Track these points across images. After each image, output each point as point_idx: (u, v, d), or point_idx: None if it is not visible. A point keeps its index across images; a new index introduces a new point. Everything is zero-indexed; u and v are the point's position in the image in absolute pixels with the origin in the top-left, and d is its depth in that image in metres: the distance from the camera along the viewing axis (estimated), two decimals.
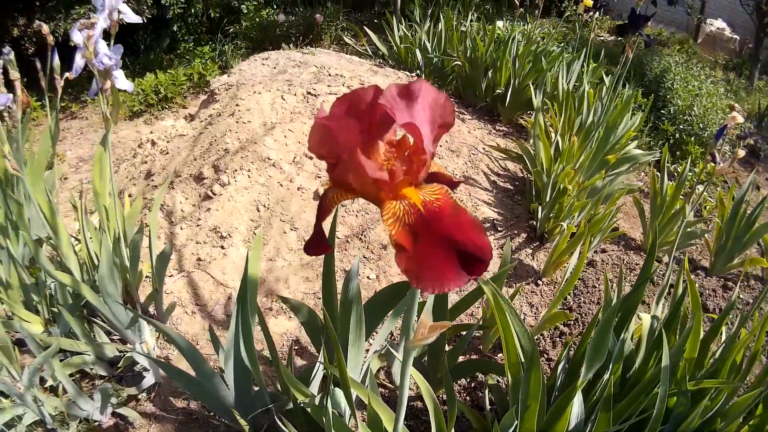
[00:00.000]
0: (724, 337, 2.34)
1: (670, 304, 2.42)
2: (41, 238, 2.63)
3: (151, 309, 2.82)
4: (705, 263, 4.08)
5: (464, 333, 2.69)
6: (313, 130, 0.89)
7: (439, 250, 0.79)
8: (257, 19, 7.06)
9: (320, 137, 0.88)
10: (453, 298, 3.09)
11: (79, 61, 2.01)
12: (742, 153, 2.47)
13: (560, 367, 2.21)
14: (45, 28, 2.29)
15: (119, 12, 2.11)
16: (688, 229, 3.84)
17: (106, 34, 2.07)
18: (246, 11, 7.14)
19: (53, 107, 2.61)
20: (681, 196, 3.95)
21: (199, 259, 3.22)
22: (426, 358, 2.46)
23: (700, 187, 5.16)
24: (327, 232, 3.45)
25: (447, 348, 2.62)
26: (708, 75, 7.07)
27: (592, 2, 4.93)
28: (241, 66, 5.17)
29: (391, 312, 2.35)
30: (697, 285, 3.33)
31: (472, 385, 2.74)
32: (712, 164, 2.35)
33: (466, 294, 2.53)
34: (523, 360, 1.88)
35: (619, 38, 3.78)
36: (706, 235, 3.97)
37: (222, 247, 3.27)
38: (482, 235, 0.80)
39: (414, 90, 0.82)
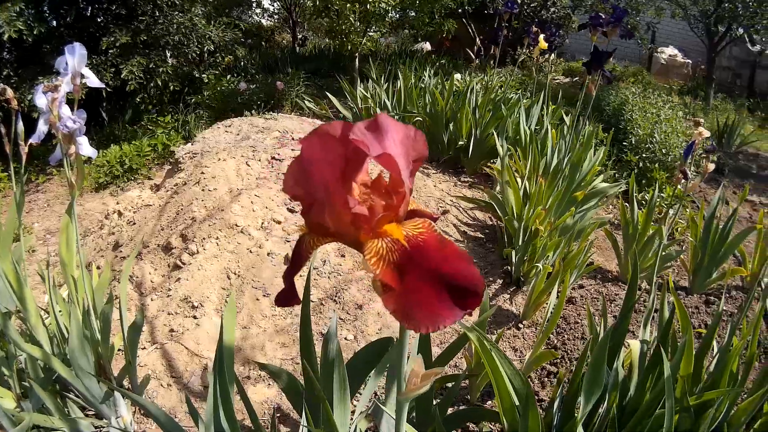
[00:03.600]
0: (715, 350, 2.33)
1: (657, 327, 2.40)
2: (10, 311, 2.54)
3: (126, 382, 2.71)
4: (684, 283, 4.10)
5: (451, 384, 2.63)
6: (288, 171, 0.84)
7: (428, 286, 0.74)
8: (218, 88, 7.10)
9: (295, 177, 0.83)
10: (434, 350, 3.03)
11: (42, 127, 1.96)
12: (711, 166, 2.50)
13: (555, 404, 2.15)
14: (9, 92, 2.23)
15: (82, 76, 2.07)
16: (663, 253, 3.85)
17: (69, 102, 2.03)
18: (207, 81, 7.18)
19: (18, 177, 2.55)
20: (653, 222, 3.97)
21: (171, 330, 3.12)
22: (414, 414, 2.38)
23: (671, 211, 5.22)
24: (304, 283, 3.38)
25: (434, 401, 2.55)
26: (666, 101, 7.23)
27: (547, 45, 5.01)
28: (205, 134, 5.15)
29: (373, 371, 2.28)
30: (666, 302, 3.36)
31: None
32: (684, 181, 2.35)
33: (449, 344, 2.48)
34: (517, 403, 1.83)
35: (588, 75, 3.82)
36: (681, 255, 3.99)
37: (194, 317, 3.18)
38: (471, 267, 0.74)
39: (381, 123, 0.78)
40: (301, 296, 1.00)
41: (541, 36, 4.97)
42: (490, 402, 2.89)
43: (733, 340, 2.13)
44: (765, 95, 13.28)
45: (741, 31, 11.36)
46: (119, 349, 2.90)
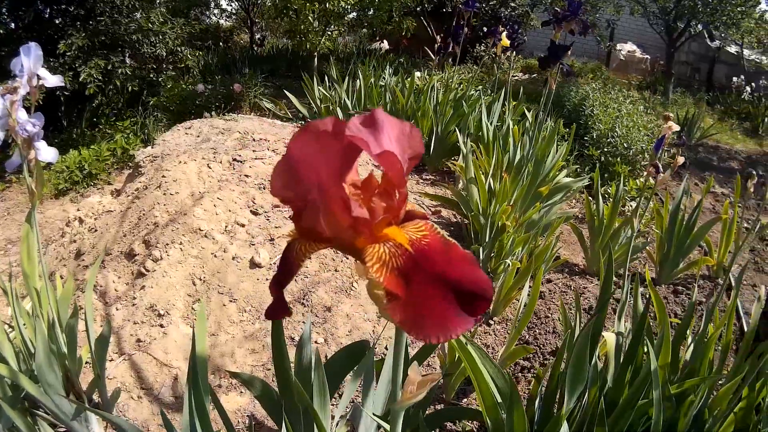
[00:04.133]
0: (689, 340, 2.35)
1: (632, 319, 2.40)
2: None
3: (95, 397, 2.62)
4: (651, 274, 4.12)
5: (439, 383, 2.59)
6: (275, 172, 0.76)
7: (436, 293, 0.68)
8: (176, 90, 6.98)
9: (284, 179, 0.76)
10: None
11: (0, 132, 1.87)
12: (681, 159, 2.52)
13: (537, 401, 2.13)
14: None
15: (38, 77, 1.98)
16: (634, 244, 3.88)
17: (26, 106, 1.94)
18: (165, 82, 7.05)
19: None
20: (618, 215, 4.00)
21: (138, 340, 3.03)
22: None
23: (633, 203, 5.28)
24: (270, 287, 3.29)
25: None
26: (626, 96, 7.32)
27: (509, 42, 5.02)
28: (165, 137, 5.05)
29: (350, 376, 2.24)
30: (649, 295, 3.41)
31: None
32: (656, 175, 2.36)
33: (423, 344, 2.44)
34: (499, 401, 1.80)
35: (542, 70, 3.82)
36: (647, 247, 4.03)
37: (161, 326, 3.10)
38: (478, 269, 0.70)
39: (377, 119, 0.72)
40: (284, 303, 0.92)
41: (504, 33, 4.97)
42: (465, 400, 2.89)
43: (709, 327, 2.16)
44: (724, 89, 13.62)
45: (700, 27, 11.64)
46: (87, 362, 2.81)
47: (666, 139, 2.27)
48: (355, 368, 2.20)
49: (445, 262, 0.71)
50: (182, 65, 7.66)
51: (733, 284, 4.10)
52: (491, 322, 3.50)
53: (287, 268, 0.83)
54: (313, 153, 0.71)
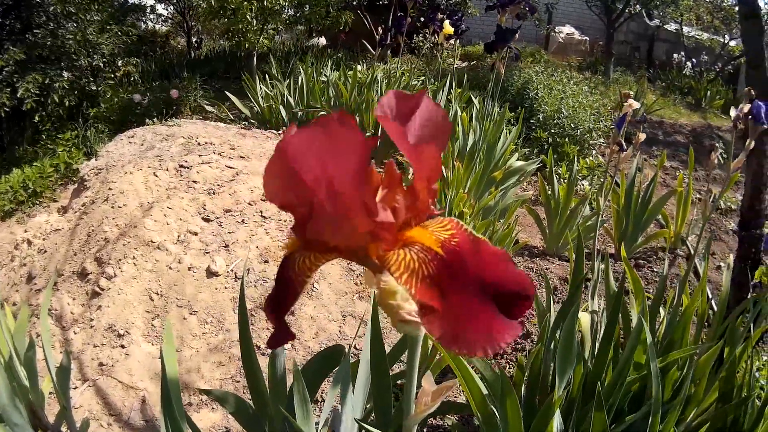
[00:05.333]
0: (662, 313, 2.37)
1: (606, 296, 2.40)
2: None
3: (64, 429, 2.50)
4: (611, 250, 4.16)
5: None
6: (270, 174, 0.65)
7: (475, 299, 0.60)
8: (115, 99, 6.78)
9: (282, 181, 0.64)
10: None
11: None
12: (642, 136, 2.53)
13: (523, 388, 2.10)
14: None
15: None
16: (588, 223, 3.90)
17: None
18: (104, 92, 6.85)
19: None
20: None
21: (101, 364, 2.90)
22: (373, 416, 2.28)
23: (585, 183, 5.33)
24: (230, 294, 3.20)
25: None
26: (570, 77, 7.38)
27: (453, 29, 4.98)
28: (108, 147, 4.89)
29: (329, 383, 2.17)
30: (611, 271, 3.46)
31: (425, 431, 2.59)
32: (622, 151, 2.36)
33: (399, 340, 2.39)
34: (486, 393, 1.76)
35: (490, 55, 3.80)
36: (605, 224, 4.06)
37: (122, 346, 2.97)
38: (514, 266, 0.62)
39: (419, 102, 0.63)
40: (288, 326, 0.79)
41: (446, 21, 4.94)
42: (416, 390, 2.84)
43: (684, 299, 2.19)
44: (664, 66, 14.05)
45: (639, 7, 11.90)
46: (50, 393, 2.67)
47: (627, 116, 2.26)
48: (334, 374, 2.13)
49: (479, 262, 0.62)
50: (121, 74, 7.46)
51: (693, 253, 4.20)
52: None
53: (287, 289, 0.72)
54: (321, 149, 0.61)
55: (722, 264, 4.22)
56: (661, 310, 2.39)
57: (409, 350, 0.80)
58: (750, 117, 1.89)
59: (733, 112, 1.93)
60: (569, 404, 1.94)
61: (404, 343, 2.33)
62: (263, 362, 2.04)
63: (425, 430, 2.59)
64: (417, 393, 0.85)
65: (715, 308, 2.67)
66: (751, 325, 2.07)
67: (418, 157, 0.63)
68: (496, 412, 1.76)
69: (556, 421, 1.80)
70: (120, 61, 7.25)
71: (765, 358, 2.49)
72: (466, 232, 0.66)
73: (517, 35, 3.69)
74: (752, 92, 1.92)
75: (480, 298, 0.60)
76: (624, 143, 2.22)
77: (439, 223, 0.68)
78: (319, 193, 0.63)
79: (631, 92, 2.43)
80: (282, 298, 0.73)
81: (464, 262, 0.62)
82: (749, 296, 2.28)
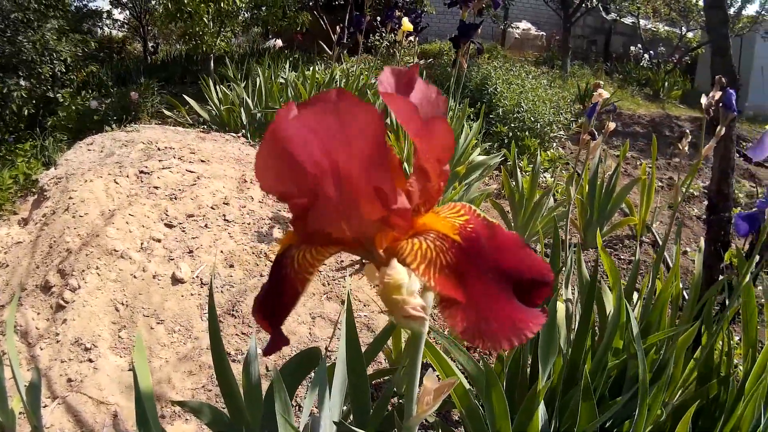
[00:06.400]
0: (635, 298, 2.43)
1: (578, 285, 2.41)
2: None
3: None
4: (575, 240, 4.19)
5: (385, 378, 2.53)
6: (264, 162, 0.59)
7: (495, 288, 0.56)
8: (73, 107, 6.64)
9: (278, 169, 0.58)
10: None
11: None
12: (612, 125, 2.53)
13: (505, 377, 2.10)
14: None
15: None
16: (553, 214, 3.93)
17: None
18: (62, 100, 6.71)
19: None
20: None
21: (69, 380, 2.81)
22: (352, 416, 2.25)
23: (548, 175, 5.36)
24: (199, 301, 3.11)
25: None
26: (528, 72, 7.43)
27: (412, 26, 4.96)
28: (67, 156, 4.78)
29: (307, 387, 2.14)
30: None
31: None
32: (593, 141, 2.37)
33: (375, 338, 2.36)
34: (468, 387, 1.74)
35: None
36: (570, 215, 4.11)
37: (90, 360, 2.88)
38: (530, 251, 0.59)
39: (414, 77, 0.59)
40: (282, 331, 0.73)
41: (405, 18, 4.91)
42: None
43: (657, 284, 2.22)
44: (621, 58, 14.39)
45: (595, 1, 12.10)
46: (21, 413, 2.59)
47: (598, 106, 2.27)
48: (312, 378, 2.10)
49: (497, 249, 0.59)
50: (78, 82, 7.32)
51: (658, 240, 4.27)
52: None
53: (286, 289, 0.66)
54: (329, 131, 0.55)
55: (688, 249, 4.30)
56: (634, 295, 2.42)
57: (412, 348, 0.76)
58: (721, 104, 1.92)
59: (704, 100, 1.95)
60: (551, 393, 1.94)
61: (379, 344, 2.30)
62: (234, 369, 1.99)
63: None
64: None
65: (686, 292, 2.71)
66: (726, 306, 2.11)
67: (429, 135, 0.59)
68: (479, 406, 1.74)
69: (541, 410, 1.80)
70: (78, 69, 7.12)
71: (737, 338, 2.53)
72: (480, 218, 0.62)
73: (479, 30, 3.68)
74: (723, 80, 1.94)
75: (501, 287, 0.57)
76: (595, 132, 2.24)
77: (451, 208, 0.64)
78: (324, 180, 0.57)
79: (601, 82, 2.45)
80: (279, 300, 0.67)
81: (483, 250, 0.59)
82: (720, 278, 2.31)
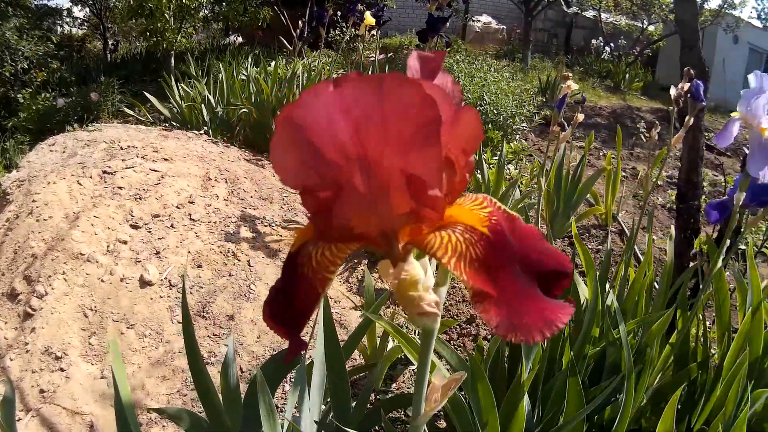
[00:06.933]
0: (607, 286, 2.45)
1: None
2: None
3: None
4: (543, 230, 4.24)
5: (361, 375, 2.52)
6: (282, 152, 0.55)
7: (523, 281, 0.56)
8: (34, 107, 6.51)
9: (301, 158, 0.54)
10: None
11: None
12: (581, 117, 2.56)
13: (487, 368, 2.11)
14: None
15: None
16: (519, 206, 3.96)
17: None
18: (22, 100, 6.57)
19: None
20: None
21: (42, 391, 2.73)
22: (332, 416, 2.24)
23: (512, 167, 5.41)
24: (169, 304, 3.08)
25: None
26: (490, 65, 7.47)
27: (374, 20, 4.95)
28: (29, 157, 4.65)
29: (288, 387, 2.12)
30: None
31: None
32: (563, 132, 2.40)
33: (351, 334, 2.36)
34: None
35: (423, 44, 3.81)
36: (535, 206, 4.16)
37: (61, 369, 2.81)
38: (550, 244, 0.58)
39: (439, 63, 0.57)
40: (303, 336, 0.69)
41: (368, 12, 4.90)
42: (394, 385, 2.87)
43: (630, 271, 2.28)
44: (582, 51, 14.59)
45: None
46: None
47: (567, 98, 2.29)
48: (293, 378, 2.08)
49: (521, 241, 0.59)
50: (39, 81, 7.18)
51: (624, 229, 4.34)
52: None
53: (303, 290, 0.62)
54: (365, 109, 0.51)
55: (655, 237, 4.37)
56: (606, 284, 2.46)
57: (423, 345, 0.75)
58: (689, 95, 1.96)
59: (673, 91, 1.99)
60: (533, 384, 1.95)
61: (355, 340, 2.31)
62: (220, 375, 1.97)
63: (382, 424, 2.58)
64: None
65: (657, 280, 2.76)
66: (699, 291, 2.16)
67: (456, 124, 0.57)
68: (463, 398, 1.75)
69: (525, 400, 1.81)
70: (39, 67, 6.99)
71: (709, 322, 2.58)
72: (501, 209, 0.62)
73: (447, 24, 3.70)
74: (691, 72, 1.98)
75: (526, 279, 0.57)
76: (565, 123, 2.26)
77: (473, 200, 0.63)
78: (351, 169, 0.54)
79: (570, 74, 2.47)
80: (296, 304, 0.63)
81: (509, 242, 0.58)
82: (690, 265, 2.35)
